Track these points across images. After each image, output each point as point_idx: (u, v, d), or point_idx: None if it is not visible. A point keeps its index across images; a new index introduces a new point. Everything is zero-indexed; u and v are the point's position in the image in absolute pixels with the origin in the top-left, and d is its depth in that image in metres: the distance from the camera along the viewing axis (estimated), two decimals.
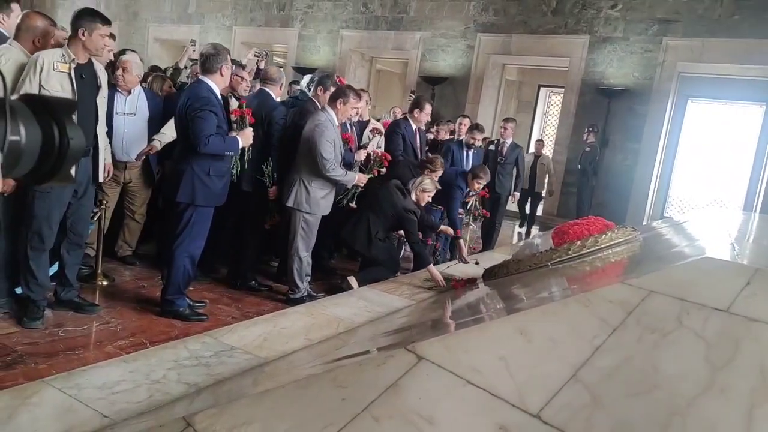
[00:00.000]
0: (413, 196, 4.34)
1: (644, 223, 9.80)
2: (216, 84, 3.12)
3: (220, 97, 3.19)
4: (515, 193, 6.35)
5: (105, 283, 3.68)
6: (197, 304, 3.47)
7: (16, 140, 0.55)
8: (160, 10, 13.69)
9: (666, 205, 12.32)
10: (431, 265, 4.18)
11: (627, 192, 9.62)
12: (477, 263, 4.48)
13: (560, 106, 13.23)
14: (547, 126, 13.77)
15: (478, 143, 5.65)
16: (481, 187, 5.01)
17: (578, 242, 3.74)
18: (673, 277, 1.59)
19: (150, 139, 3.88)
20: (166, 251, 3.30)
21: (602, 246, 3.68)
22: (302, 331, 3.02)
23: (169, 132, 3.79)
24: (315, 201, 3.68)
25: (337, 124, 3.76)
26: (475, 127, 5.72)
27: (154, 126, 3.96)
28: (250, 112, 3.51)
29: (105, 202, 3.65)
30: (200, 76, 3.15)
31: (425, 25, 10.94)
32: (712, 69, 9.61)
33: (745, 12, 8.63)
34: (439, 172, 4.28)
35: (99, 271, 3.69)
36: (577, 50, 9.89)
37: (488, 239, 6.12)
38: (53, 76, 2.73)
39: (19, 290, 3.17)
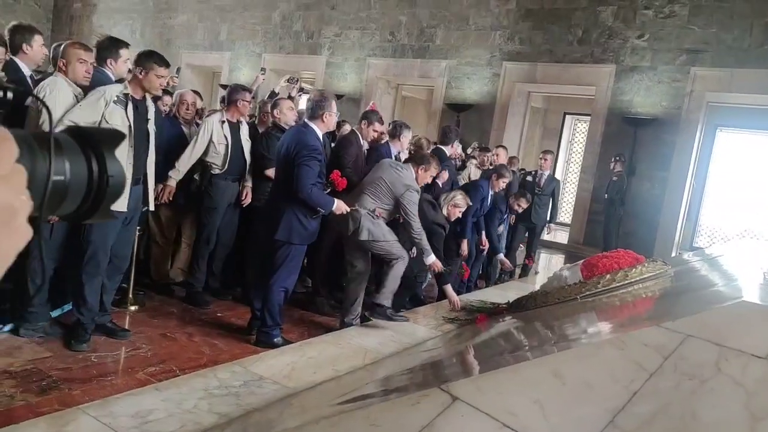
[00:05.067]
0: (444, 211, 4.33)
1: (673, 253, 9.62)
2: (320, 129, 3.33)
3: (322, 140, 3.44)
4: (551, 224, 6.37)
5: (135, 308, 3.76)
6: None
7: (60, 180, 0.51)
8: (192, 37, 14.15)
9: (695, 235, 12.11)
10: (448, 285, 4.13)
11: (655, 221, 9.46)
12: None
13: (585, 133, 13.20)
14: (572, 153, 13.72)
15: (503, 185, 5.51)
16: (521, 209, 5.03)
17: (608, 276, 3.70)
18: (710, 321, 1.57)
19: (166, 176, 3.86)
20: (263, 286, 3.42)
21: (632, 280, 3.64)
22: (329, 360, 3.03)
23: (183, 167, 3.89)
24: (380, 230, 3.68)
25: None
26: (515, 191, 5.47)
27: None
28: (345, 183, 3.73)
29: (139, 228, 3.73)
30: (306, 120, 3.36)
31: (451, 54, 11.07)
32: (742, 99, 9.49)
33: None
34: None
35: (130, 296, 3.76)
36: (604, 79, 9.88)
37: (523, 269, 6.19)
38: (115, 110, 2.87)
39: (54, 313, 3.27)
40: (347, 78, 12.10)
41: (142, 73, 2.94)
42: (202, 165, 3.99)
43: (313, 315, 4.14)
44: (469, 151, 9.19)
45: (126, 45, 3.39)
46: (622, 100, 9.74)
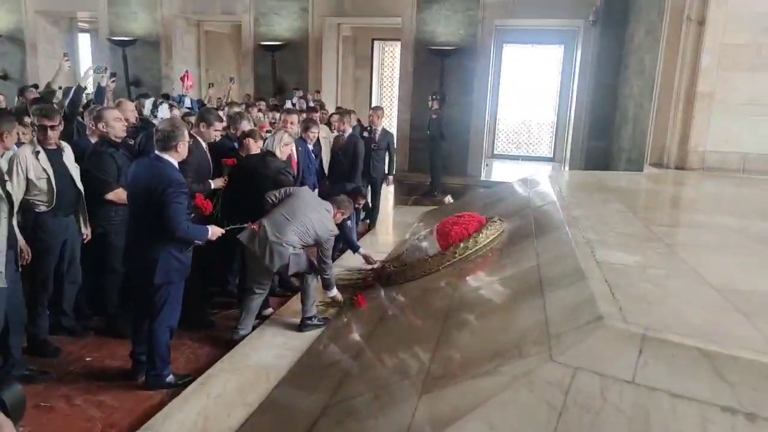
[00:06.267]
0: (278, 153, 4.34)
1: (482, 162, 10.87)
2: (174, 160, 3.12)
3: None
4: (389, 176, 6.71)
5: None
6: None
7: None
8: None
9: (495, 144, 13.82)
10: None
11: (466, 140, 10.53)
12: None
13: (394, 58, 13.71)
14: (383, 78, 14.18)
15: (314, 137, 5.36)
16: (361, 205, 5.29)
17: (461, 245, 4.24)
18: (587, 350, 2.02)
19: None
20: (141, 328, 3.29)
21: (481, 245, 4.22)
22: (236, 394, 3.08)
23: None
24: (302, 258, 3.85)
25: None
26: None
27: None
28: (210, 205, 3.59)
29: None
30: (158, 153, 3.09)
31: None
32: (523, 22, 10.70)
33: None
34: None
35: None
36: (408, 9, 10.26)
37: (370, 220, 6.66)
38: None
39: None
40: (137, 18, 10.70)
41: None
42: (23, 203, 3.42)
43: (190, 333, 4.00)
44: (294, 101, 9.05)
45: None
46: (426, 30, 10.28)
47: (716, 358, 1.86)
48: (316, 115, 6.23)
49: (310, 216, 3.81)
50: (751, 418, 1.68)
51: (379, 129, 6.52)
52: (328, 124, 6.69)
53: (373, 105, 11.00)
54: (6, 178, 2.81)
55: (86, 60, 12.17)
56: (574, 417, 1.83)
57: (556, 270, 2.94)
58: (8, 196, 2.84)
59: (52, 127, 3.45)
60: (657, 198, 5.43)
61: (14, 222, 2.95)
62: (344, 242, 4.88)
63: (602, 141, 9.77)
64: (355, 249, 4.73)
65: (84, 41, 12.34)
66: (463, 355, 2.52)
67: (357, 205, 5.09)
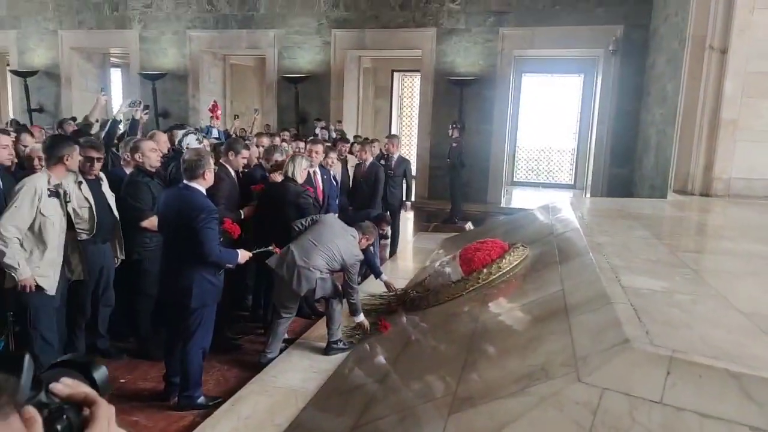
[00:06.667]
0: (299, 178, 4.44)
1: (502, 189, 10.90)
2: (202, 187, 3.23)
3: None
4: (407, 203, 6.76)
5: None
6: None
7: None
8: None
9: (515, 172, 13.87)
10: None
11: (486, 168, 10.60)
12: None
13: (413, 88, 13.97)
14: (403, 108, 14.43)
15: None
16: (385, 231, 5.36)
17: (484, 270, 4.28)
18: (614, 372, 2.05)
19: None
20: (174, 351, 3.39)
21: (505, 270, 4.25)
22: (266, 416, 3.14)
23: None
24: (329, 283, 3.96)
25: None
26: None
27: None
28: (238, 229, 3.73)
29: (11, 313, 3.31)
30: (186, 182, 3.21)
31: (278, 23, 10.76)
32: (541, 52, 10.84)
33: (563, 2, 9.81)
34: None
35: None
36: (427, 42, 10.49)
37: (390, 247, 6.70)
38: (49, 202, 3.02)
39: None
40: (167, 53, 11.14)
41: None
42: None
43: (218, 357, 4.08)
44: (317, 131, 9.28)
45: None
46: (446, 61, 10.49)
47: (744, 379, 1.88)
48: (347, 146, 6.39)
49: (337, 242, 3.90)
50: None
51: (396, 156, 6.63)
52: (351, 152, 6.86)
53: (390, 133, 11.18)
54: (68, 199, 2.98)
55: (118, 93, 12.66)
56: None
57: (581, 295, 2.96)
58: (68, 214, 3.08)
59: (99, 159, 3.64)
60: (682, 225, 5.41)
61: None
62: (367, 267, 4.95)
63: (624, 168, 9.76)
64: (377, 275, 4.79)
65: (116, 75, 12.87)
66: (489, 378, 2.55)
67: (381, 231, 5.17)
